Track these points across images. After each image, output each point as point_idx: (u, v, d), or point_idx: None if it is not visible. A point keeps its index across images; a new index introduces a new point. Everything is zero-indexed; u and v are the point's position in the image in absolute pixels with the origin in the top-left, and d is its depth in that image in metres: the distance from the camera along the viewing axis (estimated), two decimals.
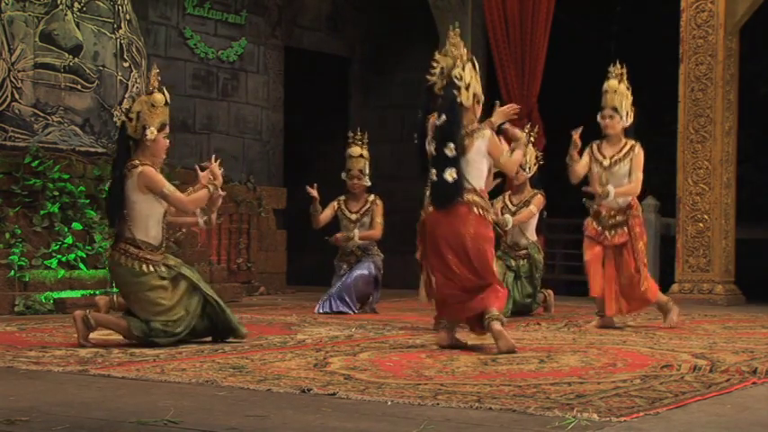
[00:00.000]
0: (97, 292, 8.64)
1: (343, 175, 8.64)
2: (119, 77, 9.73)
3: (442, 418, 3.85)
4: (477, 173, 6.01)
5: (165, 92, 6.08)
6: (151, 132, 5.98)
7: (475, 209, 5.94)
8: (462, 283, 5.98)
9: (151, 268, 5.98)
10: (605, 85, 7.45)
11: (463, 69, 6.09)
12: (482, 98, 6.20)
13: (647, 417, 3.94)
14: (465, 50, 6.30)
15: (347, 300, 8.63)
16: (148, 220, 6.04)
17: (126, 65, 9.74)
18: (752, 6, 10.38)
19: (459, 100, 6.02)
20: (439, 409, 4.07)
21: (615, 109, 7.36)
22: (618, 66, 7.43)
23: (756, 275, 10.54)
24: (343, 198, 8.76)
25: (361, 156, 8.63)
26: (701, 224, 10.39)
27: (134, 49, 9.82)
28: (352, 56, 12.34)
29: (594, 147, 7.46)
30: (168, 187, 6.05)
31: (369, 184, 8.71)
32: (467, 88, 6.06)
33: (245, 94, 11.34)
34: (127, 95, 9.37)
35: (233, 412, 4.00)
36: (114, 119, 9.59)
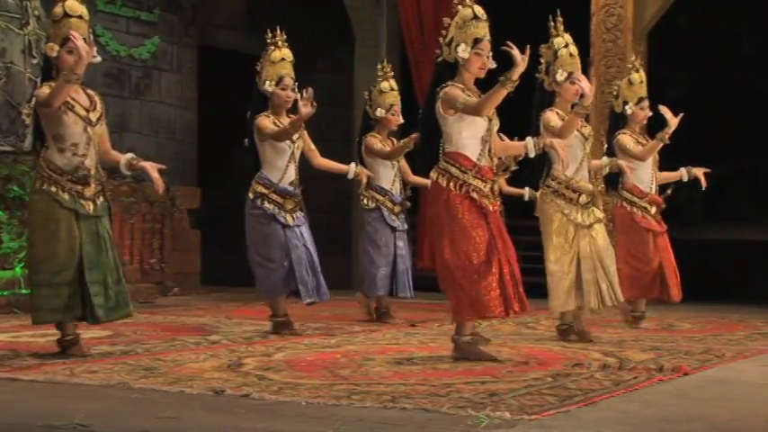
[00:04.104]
0: (4, 293, 8.49)
1: (381, 111, 7.79)
2: (27, 74, 9.55)
3: (356, 419, 3.86)
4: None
5: (68, 3, 5.58)
6: (50, 48, 5.61)
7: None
8: None
9: (52, 188, 5.53)
10: (637, 77, 7.57)
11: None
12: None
13: (558, 415, 4.00)
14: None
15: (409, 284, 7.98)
16: (54, 141, 5.59)
17: (35, 62, 9.56)
18: (659, 11, 10.58)
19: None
20: (353, 409, 4.07)
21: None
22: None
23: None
24: (374, 137, 7.85)
25: (392, 89, 7.91)
26: (610, 224, 10.53)
27: (43, 46, 9.64)
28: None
29: (635, 137, 7.56)
30: (40, 89, 5.57)
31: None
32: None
33: (159, 92, 11.22)
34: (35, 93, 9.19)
35: (144, 414, 3.96)
36: (23, 116, 9.42)
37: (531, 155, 5.93)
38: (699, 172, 7.74)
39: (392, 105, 7.87)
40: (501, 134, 5.87)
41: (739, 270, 11.47)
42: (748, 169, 11.90)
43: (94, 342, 6.08)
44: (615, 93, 7.74)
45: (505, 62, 5.41)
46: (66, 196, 5.55)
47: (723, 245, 11.28)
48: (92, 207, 5.61)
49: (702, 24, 12.28)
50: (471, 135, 5.51)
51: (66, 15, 5.60)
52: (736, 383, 5.02)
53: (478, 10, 5.55)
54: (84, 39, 5.53)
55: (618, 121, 7.64)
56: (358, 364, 5.36)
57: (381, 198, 7.88)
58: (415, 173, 7.85)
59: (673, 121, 7.27)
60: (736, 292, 10.80)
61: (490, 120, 5.55)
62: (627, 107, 7.56)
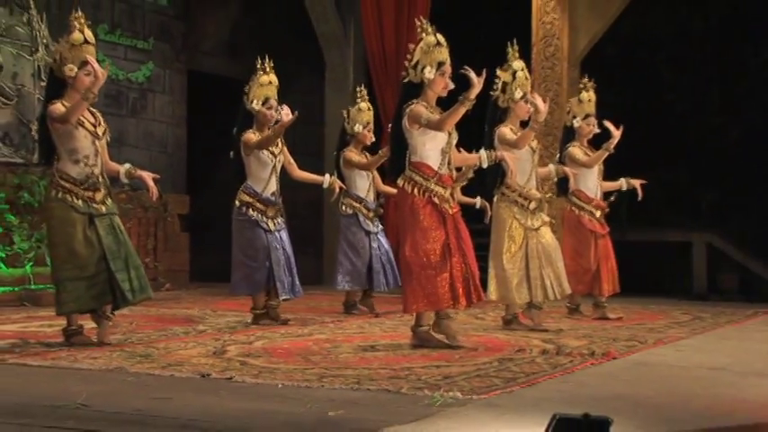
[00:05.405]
0: (15, 289, 8.39)
1: (359, 127, 7.75)
2: (36, 95, 9.46)
3: (327, 399, 3.84)
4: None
5: (85, 31, 5.55)
6: (69, 69, 5.51)
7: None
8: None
9: (67, 196, 5.46)
10: (586, 95, 7.57)
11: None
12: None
13: (504, 394, 4.00)
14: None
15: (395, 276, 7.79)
16: (67, 153, 5.52)
17: (43, 84, 9.47)
18: (590, 43, 10.70)
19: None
20: (324, 390, 4.06)
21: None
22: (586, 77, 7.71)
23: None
24: (351, 151, 7.80)
25: (370, 109, 7.90)
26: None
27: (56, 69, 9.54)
28: (247, 79, 12.23)
29: (583, 149, 7.58)
30: (54, 106, 5.49)
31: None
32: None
33: (153, 111, 11.14)
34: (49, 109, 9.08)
35: (140, 395, 3.92)
36: (32, 132, 9.32)
37: (484, 165, 5.94)
38: (636, 183, 7.78)
39: (368, 123, 7.86)
40: (458, 147, 5.87)
41: (659, 267, 11.56)
42: (667, 179, 12.00)
43: (94, 331, 6.00)
44: (568, 109, 7.79)
45: (461, 84, 5.42)
46: (80, 202, 5.51)
47: (646, 245, 11.36)
48: (104, 208, 5.58)
49: (628, 54, 12.38)
50: (433, 147, 5.52)
51: (86, 42, 5.56)
52: (657, 366, 5.05)
53: (440, 37, 5.57)
54: (98, 62, 5.55)
55: (568, 134, 7.69)
56: (328, 350, 5.34)
57: (358, 205, 7.85)
58: (385, 180, 7.84)
59: (616, 133, 7.33)
60: (657, 287, 10.88)
61: (450, 134, 5.56)
62: (575, 121, 7.61)
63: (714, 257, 11.15)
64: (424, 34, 5.56)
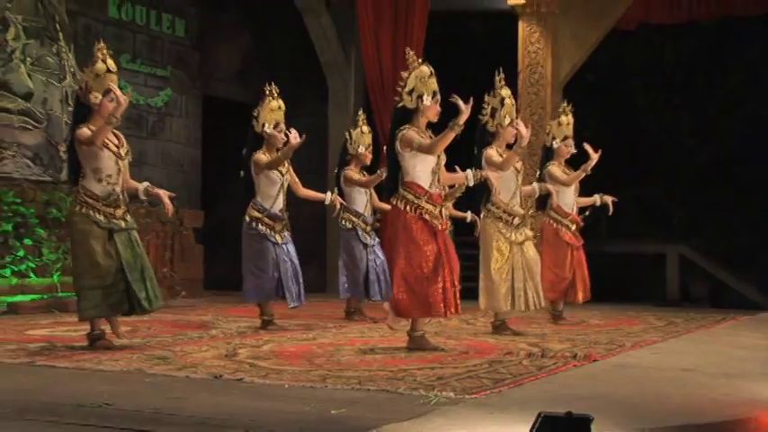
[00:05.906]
0: (44, 297, 8.38)
1: (362, 148, 7.74)
2: (64, 119, 9.47)
3: (329, 398, 3.84)
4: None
5: (108, 61, 5.54)
6: (95, 97, 5.51)
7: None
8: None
9: (90, 212, 5.44)
10: (565, 119, 7.57)
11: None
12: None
13: (492, 394, 4.00)
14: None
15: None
16: (92, 172, 5.51)
17: (70, 109, 9.49)
18: (572, 70, 10.73)
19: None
20: (327, 390, 4.05)
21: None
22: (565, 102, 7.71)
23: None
24: (352, 170, 7.79)
25: (370, 132, 7.93)
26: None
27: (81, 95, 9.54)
28: (257, 104, 12.22)
29: (562, 168, 7.59)
30: (81, 130, 5.47)
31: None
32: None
33: (170, 133, 11.16)
34: (77, 133, 9.09)
35: (157, 395, 3.92)
36: (60, 153, 9.34)
37: (471, 184, 5.94)
38: (608, 199, 7.80)
39: (370, 145, 7.87)
40: (453, 167, 5.89)
41: (636, 276, 11.57)
42: (642, 196, 12.02)
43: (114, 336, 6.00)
44: (547, 131, 7.80)
45: (448, 110, 5.43)
46: (101, 218, 5.50)
47: (623, 256, 11.38)
48: (123, 223, 5.58)
49: (606, 81, 12.43)
50: (424, 168, 5.52)
51: (109, 71, 5.57)
52: (634, 368, 5.05)
53: (431, 68, 5.58)
54: (121, 89, 5.56)
55: (547, 154, 7.69)
56: (331, 353, 5.33)
57: (356, 220, 7.84)
58: (381, 198, 7.84)
59: (594, 156, 7.35)
60: (633, 294, 10.88)
61: (439, 156, 5.56)
62: (554, 142, 7.61)
63: (686, 268, 11.16)
64: (416, 64, 5.58)
